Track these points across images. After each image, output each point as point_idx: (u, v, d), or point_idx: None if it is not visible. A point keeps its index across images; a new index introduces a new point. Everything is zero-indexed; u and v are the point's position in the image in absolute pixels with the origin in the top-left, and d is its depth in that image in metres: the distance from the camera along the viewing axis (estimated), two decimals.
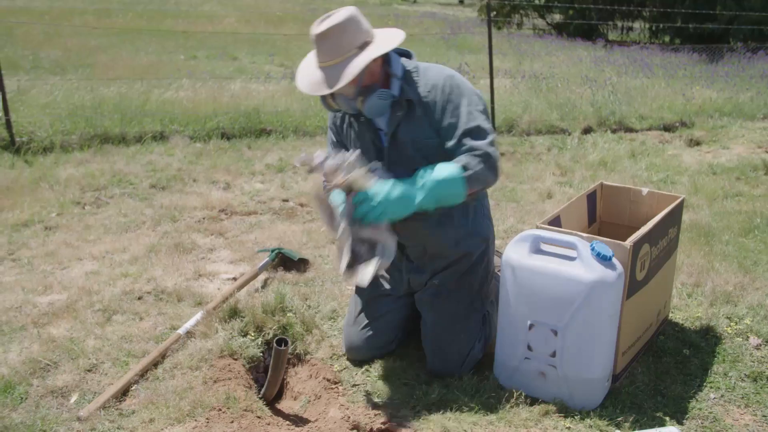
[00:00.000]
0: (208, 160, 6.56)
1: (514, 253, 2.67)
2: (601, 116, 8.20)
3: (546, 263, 2.59)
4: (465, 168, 2.58)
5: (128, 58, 12.02)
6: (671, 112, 8.48)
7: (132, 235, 4.62)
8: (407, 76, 2.75)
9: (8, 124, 6.84)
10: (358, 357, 3.05)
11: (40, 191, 5.51)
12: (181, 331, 3.15)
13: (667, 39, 19.32)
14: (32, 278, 3.90)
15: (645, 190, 3.28)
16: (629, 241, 2.61)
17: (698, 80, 10.50)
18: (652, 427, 2.51)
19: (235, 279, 3.85)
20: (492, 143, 2.64)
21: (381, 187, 2.53)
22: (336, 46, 2.59)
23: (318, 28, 2.60)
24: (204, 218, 4.95)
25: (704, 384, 2.85)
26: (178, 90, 8.89)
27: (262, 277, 3.80)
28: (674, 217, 3.07)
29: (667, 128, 8.08)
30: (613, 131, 7.90)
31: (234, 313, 3.24)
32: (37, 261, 4.18)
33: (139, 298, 3.61)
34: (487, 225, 2.99)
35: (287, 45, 14.32)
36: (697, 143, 7.47)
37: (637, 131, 7.97)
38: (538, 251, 2.65)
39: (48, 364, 2.97)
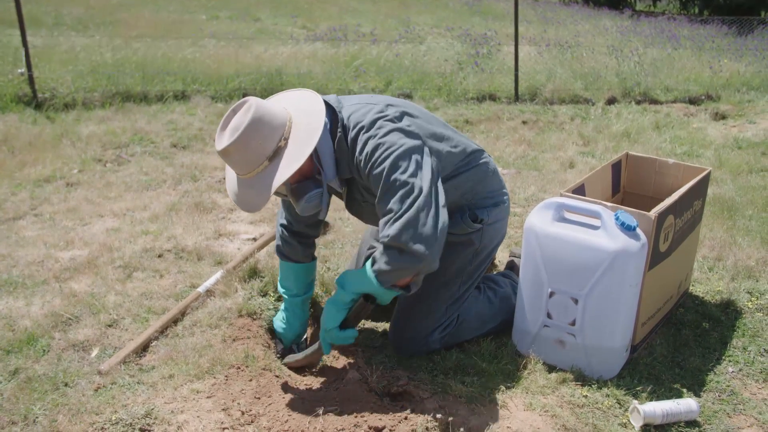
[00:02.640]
0: None
1: (538, 221, 2.65)
2: (626, 87, 8.10)
3: (569, 231, 2.57)
4: (373, 262, 2.41)
5: (150, 17, 11.99)
6: (697, 85, 8.36)
7: (153, 194, 4.64)
8: (339, 151, 2.51)
9: (31, 80, 6.87)
10: None
11: (61, 147, 5.54)
12: (200, 289, 3.17)
13: (696, 10, 18.98)
14: (54, 234, 3.93)
15: (671, 161, 3.24)
16: (654, 212, 2.58)
17: (726, 53, 10.31)
18: (669, 398, 2.51)
19: (255, 239, 3.86)
20: (402, 221, 2.31)
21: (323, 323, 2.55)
22: (242, 162, 2.36)
23: (219, 142, 2.35)
24: (224, 178, 4.95)
25: (723, 357, 2.83)
26: (200, 49, 8.85)
27: None
28: (700, 190, 3.03)
29: (693, 101, 7.96)
30: (638, 102, 7.80)
31: (254, 273, 3.26)
32: (59, 217, 4.21)
33: (160, 256, 3.63)
34: (483, 212, 2.77)
35: (310, 6, 14.25)
36: (723, 117, 7.35)
37: (661, 103, 7.86)
38: (561, 219, 2.63)
39: (69, 319, 3.01)
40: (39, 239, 3.84)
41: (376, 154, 2.40)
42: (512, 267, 3.30)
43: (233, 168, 2.43)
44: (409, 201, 2.33)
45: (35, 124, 6.26)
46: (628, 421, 2.42)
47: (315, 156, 2.50)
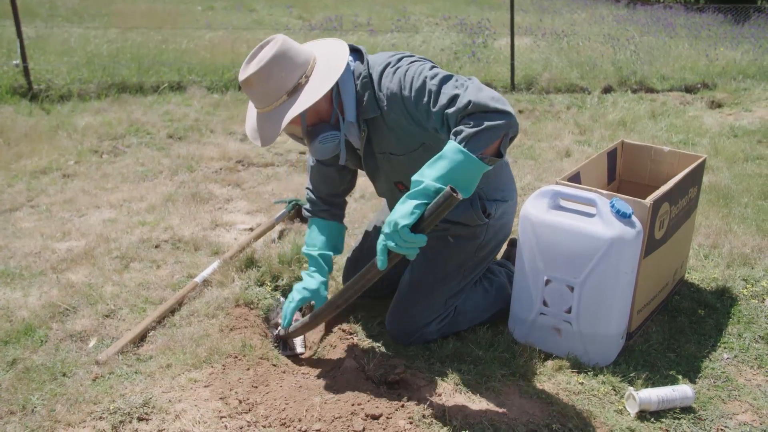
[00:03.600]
0: (226, 111, 6.55)
1: (533, 209, 2.65)
2: (622, 76, 8.10)
3: (565, 219, 2.58)
4: (456, 135, 2.17)
5: (146, 7, 11.95)
6: (693, 73, 8.36)
7: (149, 184, 4.64)
8: (362, 91, 2.49)
9: (26, 71, 6.86)
10: None
11: (57, 139, 5.53)
12: (198, 279, 3.17)
13: None
14: (51, 225, 3.93)
15: (666, 149, 3.25)
16: (649, 199, 2.59)
17: (722, 41, 10.31)
18: (664, 385, 2.52)
19: (251, 229, 3.87)
20: (471, 90, 2.21)
21: (385, 227, 2.19)
22: (263, 93, 2.38)
23: (243, 72, 2.37)
24: (221, 169, 4.96)
25: (718, 344, 2.85)
26: (195, 40, 8.83)
27: (278, 227, 3.81)
28: (695, 177, 3.04)
29: (689, 89, 7.97)
30: (634, 91, 7.81)
31: (250, 262, 3.27)
32: (56, 208, 4.21)
33: (157, 246, 3.63)
34: (491, 206, 2.75)
35: None
36: (719, 105, 7.36)
37: (658, 92, 7.87)
38: (557, 207, 2.63)
39: (67, 309, 3.01)
40: (36, 230, 3.84)
41: (410, 74, 2.37)
42: (509, 256, 3.31)
43: (253, 100, 2.44)
44: (466, 80, 2.27)
45: (31, 115, 6.25)
46: (624, 407, 2.43)
47: (336, 98, 2.50)
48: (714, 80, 8.17)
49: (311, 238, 2.87)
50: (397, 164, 2.59)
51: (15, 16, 6.90)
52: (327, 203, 2.91)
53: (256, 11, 13.17)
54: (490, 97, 2.17)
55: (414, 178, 2.19)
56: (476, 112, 2.16)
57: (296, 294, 2.75)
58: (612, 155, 3.28)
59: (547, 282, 2.65)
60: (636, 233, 2.51)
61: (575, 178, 2.92)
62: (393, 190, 2.72)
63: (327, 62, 2.44)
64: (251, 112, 2.53)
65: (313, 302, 2.79)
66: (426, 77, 2.33)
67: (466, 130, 2.14)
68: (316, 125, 2.48)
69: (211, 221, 3.98)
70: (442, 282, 2.80)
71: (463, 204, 2.69)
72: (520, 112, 6.94)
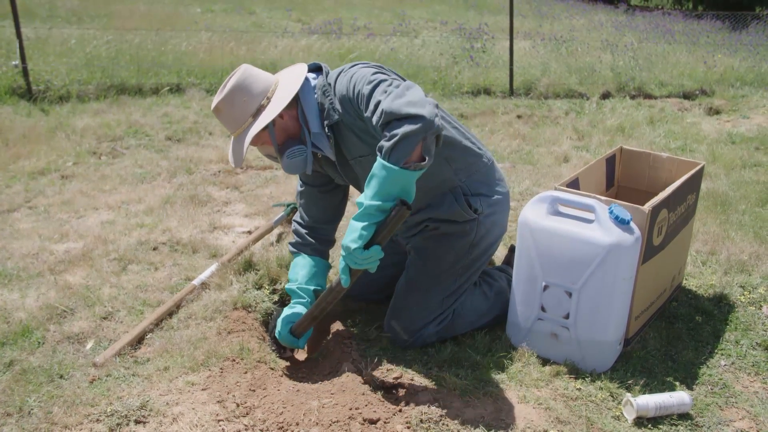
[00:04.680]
0: None
1: (532, 214, 2.66)
2: (621, 82, 8.11)
3: (563, 225, 2.58)
4: (379, 151, 2.25)
5: (145, 9, 11.95)
6: (691, 80, 8.38)
7: (147, 186, 4.63)
8: (321, 104, 2.62)
9: (25, 72, 6.85)
10: (352, 297, 3.11)
11: (56, 140, 5.53)
12: (195, 282, 3.17)
13: (690, 5, 19.00)
14: (49, 226, 3.93)
15: (665, 155, 3.25)
16: (648, 206, 2.59)
17: (720, 48, 10.34)
18: (662, 391, 2.53)
19: (250, 232, 3.87)
20: (389, 97, 2.28)
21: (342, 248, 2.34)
22: (230, 119, 2.58)
23: (213, 103, 2.60)
24: (219, 171, 4.96)
25: (715, 351, 2.85)
26: (195, 43, 8.84)
27: (277, 231, 3.81)
28: (693, 184, 3.05)
29: (687, 96, 7.98)
30: (632, 97, 7.82)
31: (249, 265, 3.27)
32: (54, 209, 4.20)
33: (155, 249, 3.63)
34: (479, 202, 2.76)
35: (305, 0, 14.18)
36: (717, 112, 7.38)
37: (656, 98, 7.88)
38: (555, 213, 2.64)
39: (64, 311, 3.01)
40: (34, 232, 3.84)
41: (355, 77, 2.50)
42: (509, 262, 3.31)
43: (226, 127, 2.63)
44: (391, 86, 2.38)
45: (29, 116, 6.25)
46: (621, 413, 2.43)
47: (301, 115, 2.64)
48: (712, 87, 8.19)
49: (293, 273, 2.91)
50: (369, 166, 2.52)
51: (14, 17, 6.90)
52: (313, 235, 2.95)
53: (255, 14, 13.18)
54: (406, 102, 2.23)
55: (358, 200, 2.30)
56: (391, 121, 2.24)
57: (281, 324, 2.76)
58: (611, 161, 3.29)
59: (545, 287, 2.66)
60: (634, 240, 2.51)
61: (574, 184, 2.93)
62: None
63: (287, 82, 2.63)
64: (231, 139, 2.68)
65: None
66: (364, 82, 2.45)
67: (385, 144, 2.23)
68: (285, 143, 2.64)
69: (209, 224, 3.98)
70: (436, 280, 2.80)
71: (447, 201, 2.73)
72: (519, 117, 6.95)
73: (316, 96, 2.64)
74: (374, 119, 2.33)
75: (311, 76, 2.69)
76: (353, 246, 2.26)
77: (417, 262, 2.84)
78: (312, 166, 2.72)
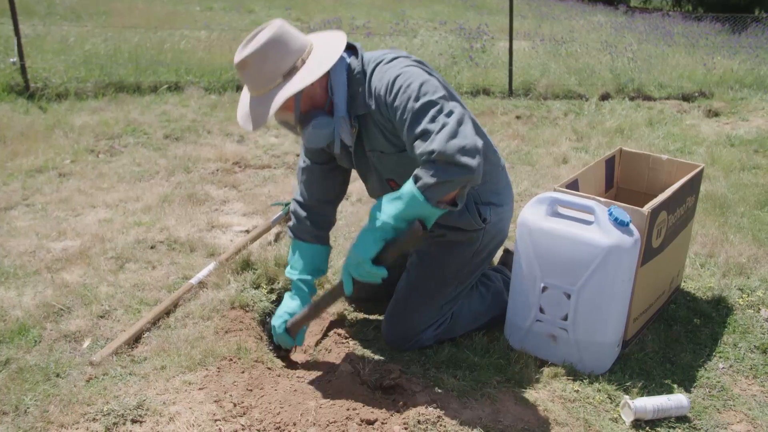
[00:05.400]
0: (223, 112, 6.54)
1: (531, 215, 2.65)
2: (620, 83, 8.11)
3: (563, 226, 2.57)
4: (416, 180, 2.23)
5: (144, 7, 11.93)
6: (691, 82, 8.37)
7: (145, 185, 4.62)
8: (354, 86, 2.48)
9: (23, 70, 6.84)
10: (348, 298, 3.11)
11: (54, 138, 5.51)
12: (193, 281, 3.16)
13: (689, 7, 19.02)
14: (46, 224, 3.92)
15: (665, 157, 3.25)
16: (647, 208, 2.59)
17: (720, 50, 10.33)
18: (660, 394, 2.52)
19: (248, 231, 3.86)
20: (442, 135, 2.19)
21: (348, 257, 2.36)
22: (258, 76, 2.35)
23: (239, 54, 2.35)
24: (218, 170, 4.94)
25: (713, 353, 2.85)
26: (194, 41, 8.82)
27: (275, 230, 3.80)
28: (693, 186, 3.04)
29: (686, 98, 7.98)
30: (631, 99, 7.82)
31: (246, 265, 3.26)
32: (51, 207, 4.19)
33: (152, 247, 3.62)
34: (487, 211, 2.71)
35: None
36: (716, 114, 7.37)
37: (655, 100, 7.88)
38: (555, 214, 2.63)
39: (61, 309, 3.00)
40: (31, 229, 3.83)
41: (399, 82, 2.34)
42: (505, 262, 3.30)
43: (248, 84, 2.40)
44: (444, 117, 2.24)
45: (27, 114, 6.23)
46: (619, 416, 2.43)
47: (329, 87, 2.48)
48: (711, 89, 8.18)
49: (293, 261, 2.84)
50: (388, 162, 2.57)
51: (13, 14, 6.88)
52: (313, 218, 2.85)
53: (254, 12, 13.16)
54: (459, 147, 2.16)
55: (373, 209, 2.31)
56: (439, 162, 2.18)
57: (278, 321, 2.74)
58: (610, 163, 3.28)
59: (544, 289, 2.65)
60: (633, 241, 2.51)
61: (573, 185, 2.92)
62: (385, 188, 2.66)
63: (324, 48, 2.43)
64: (244, 98, 2.48)
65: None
66: (411, 95, 2.30)
67: (426, 179, 2.19)
68: (309, 112, 2.46)
69: (207, 223, 3.97)
70: (439, 287, 2.77)
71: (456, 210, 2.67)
72: (518, 117, 6.95)
73: (350, 79, 2.49)
74: (417, 148, 2.23)
75: (344, 54, 2.52)
76: (363, 258, 2.27)
77: (420, 267, 2.79)
78: (339, 143, 2.58)
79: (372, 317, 3.04)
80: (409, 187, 2.23)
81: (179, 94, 7.17)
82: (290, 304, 2.77)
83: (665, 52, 9.88)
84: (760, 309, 3.16)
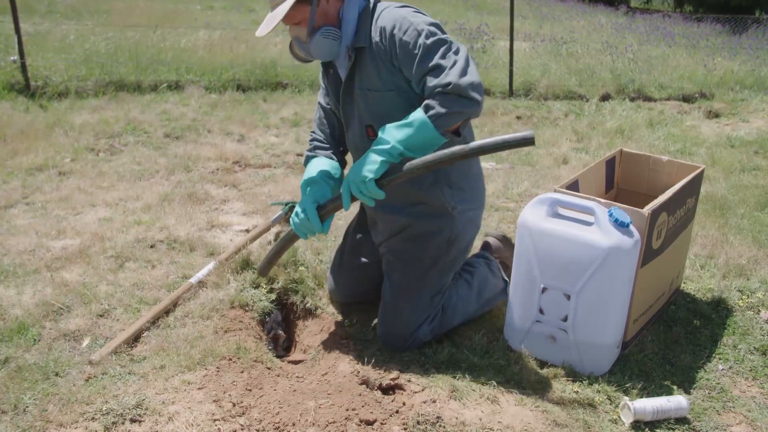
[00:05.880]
0: (223, 111, 6.54)
1: (531, 216, 2.65)
2: (620, 84, 8.11)
3: (563, 227, 2.57)
4: (427, 109, 2.40)
5: (145, 6, 11.93)
6: (691, 83, 8.37)
7: (145, 184, 4.62)
8: (362, 20, 2.60)
9: (24, 68, 6.84)
10: (340, 300, 3.11)
11: (54, 136, 5.51)
12: (193, 280, 3.16)
13: (690, 8, 19.01)
14: (46, 222, 3.91)
15: (665, 158, 3.25)
16: (647, 209, 2.58)
17: (720, 51, 10.33)
18: (659, 395, 2.52)
19: (247, 231, 3.86)
20: (455, 70, 2.37)
21: (351, 173, 2.48)
22: None
23: None
24: (218, 169, 4.94)
25: (713, 355, 2.85)
26: (194, 40, 8.82)
27: (274, 230, 3.79)
28: (693, 188, 3.04)
29: (687, 99, 7.97)
30: (632, 99, 7.82)
31: (246, 264, 3.26)
32: (51, 206, 4.19)
33: (152, 246, 3.62)
34: (444, 193, 2.73)
35: None
36: (716, 115, 7.37)
37: (655, 100, 7.88)
38: (555, 215, 2.63)
39: (61, 308, 3.00)
40: (30, 228, 3.83)
41: (410, 19, 2.49)
42: (486, 247, 3.30)
43: None
44: (454, 55, 2.42)
45: (28, 112, 6.23)
46: (619, 417, 2.43)
47: (340, 16, 2.61)
48: (712, 90, 8.18)
49: (309, 171, 2.80)
50: (373, 102, 2.62)
51: (13, 12, 6.88)
52: (324, 145, 2.92)
53: (255, 11, 13.16)
54: (469, 83, 2.36)
55: (381, 133, 2.46)
56: (452, 94, 2.36)
57: (308, 202, 2.67)
58: (611, 164, 3.28)
59: (544, 290, 2.65)
60: (634, 243, 2.50)
61: (574, 186, 2.92)
62: (363, 136, 2.72)
63: None
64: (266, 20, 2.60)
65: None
66: (421, 33, 2.44)
67: (438, 109, 2.37)
68: (320, 27, 2.57)
69: (207, 222, 3.97)
70: (421, 281, 2.79)
71: (427, 181, 2.69)
72: (518, 118, 6.95)
73: (358, 13, 2.62)
74: (430, 81, 2.40)
75: None
76: (370, 176, 2.41)
77: (398, 266, 2.81)
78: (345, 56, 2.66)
79: (371, 318, 3.04)
80: (419, 114, 2.40)
81: (180, 92, 7.17)
82: (317, 190, 2.72)
83: (666, 53, 9.88)
84: (759, 310, 3.16)
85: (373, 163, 2.41)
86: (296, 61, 2.77)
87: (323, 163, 2.82)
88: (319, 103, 2.95)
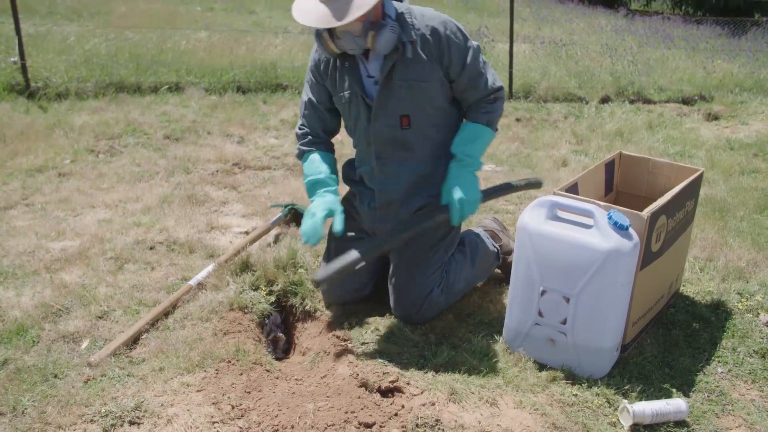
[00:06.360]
0: (223, 113, 6.54)
1: (531, 219, 2.65)
2: (620, 86, 8.11)
3: (562, 230, 2.57)
4: (489, 124, 2.89)
5: (145, 7, 11.93)
6: (691, 85, 8.37)
7: (145, 185, 4.62)
8: (400, 19, 2.76)
9: (24, 69, 6.83)
10: (333, 301, 3.14)
11: (54, 137, 5.51)
12: (192, 282, 3.16)
13: (690, 10, 19.03)
14: (45, 224, 3.91)
15: (664, 160, 3.25)
16: (647, 212, 2.58)
17: (720, 54, 10.33)
18: (658, 398, 2.52)
19: (247, 233, 3.85)
20: (492, 77, 2.89)
21: (465, 193, 2.82)
22: None
23: None
24: (217, 171, 4.94)
25: (712, 358, 2.85)
26: (194, 41, 8.82)
27: (274, 232, 3.80)
28: (692, 190, 3.04)
29: (686, 101, 7.97)
30: (631, 102, 7.82)
31: (245, 266, 3.26)
32: (51, 207, 4.19)
33: (151, 248, 3.62)
34: None
35: None
36: (716, 118, 7.37)
37: (655, 103, 7.88)
38: (554, 218, 2.63)
39: (60, 310, 3.00)
40: (30, 229, 3.83)
41: (454, 25, 2.85)
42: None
43: None
44: (483, 58, 2.90)
45: (27, 113, 6.23)
46: (618, 420, 2.43)
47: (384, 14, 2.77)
48: (711, 93, 8.18)
49: (314, 167, 3.00)
50: (417, 92, 2.82)
51: (14, 13, 6.88)
52: (316, 140, 3.08)
53: (255, 13, 13.16)
54: (501, 86, 2.92)
55: (465, 152, 2.86)
56: (499, 98, 2.90)
57: (318, 210, 2.84)
58: (610, 166, 3.28)
59: (543, 292, 2.65)
60: (633, 245, 2.50)
61: (573, 189, 2.92)
62: (395, 126, 2.88)
63: None
64: (306, 4, 2.64)
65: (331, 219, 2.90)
66: (467, 36, 2.85)
67: (493, 115, 2.90)
68: (375, 22, 2.68)
69: (206, 224, 3.97)
70: (432, 251, 2.99)
71: (440, 168, 2.95)
72: (518, 120, 6.95)
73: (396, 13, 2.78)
74: (479, 86, 2.85)
75: None
76: (477, 198, 2.87)
77: (411, 243, 2.94)
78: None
79: (370, 319, 3.04)
80: (480, 127, 2.88)
81: (180, 94, 7.17)
82: (325, 199, 2.91)
83: (665, 56, 9.88)
84: (759, 313, 3.16)
85: (477, 182, 2.89)
86: (323, 54, 2.89)
87: (326, 159, 3.03)
88: (309, 99, 3.04)
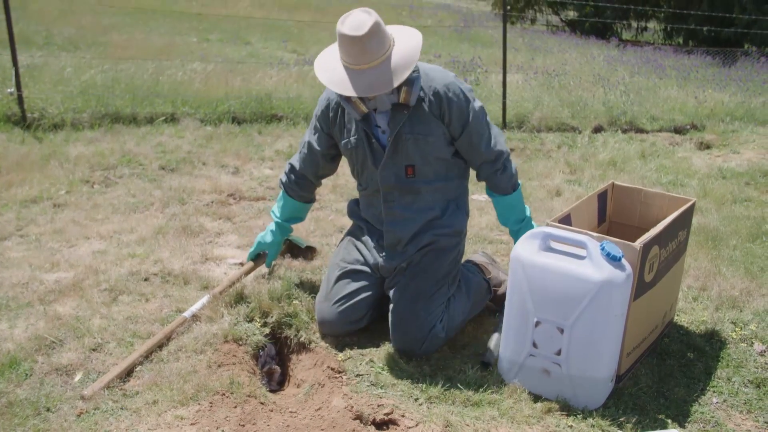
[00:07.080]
0: (218, 143, 6.56)
1: (524, 250, 2.66)
2: (612, 116, 8.17)
3: (555, 261, 2.59)
4: (514, 189, 3.20)
5: (141, 39, 12.00)
6: (682, 115, 8.44)
7: (140, 216, 4.62)
8: (408, 78, 2.88)
9: (20, 100, 6.86)
10: (330, 332, 3.14)
11: (49, 168, 5.52)
12: (186, 314, 3.15)
13: (680, 41, 19.25)
14: (39, 255, 3.91)
15: (657, 191, 3.27)
16: (639, 242, 2.60)
17: (711, 83, 10.44)
18: (654, 429, 2.52)
19: (242, 264, 3.85)
20: (500, 137, 3.11)
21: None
22: (378, 45, 2.73)
23: (358, 27, 2.70)
24: (212, 202, 4.95)
25: (707, 388, 2.85)
26: (190, 72, 8.87)
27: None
28: (684, 220, 3.06)
29: (678, 130, 8.04)
30: (624, 131, 7.87)
31: (240, 298, 3.26)
32: (45, 238, 4.19)
33: (146, 280, 3.62)
34: (462, 219, 3.20)
35: (300, 32, 14.30)
36: (708, 147, 7.43)
37: (647, 132, 7.94)
38: (548, 249, 2.65)
39: (53, 342, 2.98)
40: (24, 260, 3.82)
41: (457, 87, 2.97)
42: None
43: (365, 54, 2.74)
44: (486, 117, 3.08)
45: (23, 143, 6.24)
46: None
47: None
48: (703, 122, 8.25)
49: (279, 208, 3.46)
50: (423, 145, 2.97)
51: (11, 45, 6.92)
52: (301, 183, 3.37)
53: (251, 44, 13.26)
54: (504, 145, 3.13)
55: (515, 222, 3.23)
56: (506, 164, 3.12)
57: (258, 243, 3.49)
58: (602, 197, 3.31)
59: (537, 324, 2.65)
60: (626, 276, 2.52)
61: (566, 220, 2.94)
62: (400, 175, 3.04)
63: (400, 32, 2.92)
64: (339, 72, 2.82)
65: (266, 252, 3.52)
66: (471, 99, 3.00)
67: (511, 179, 3.16)
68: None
69: (201, 255, 3.97)
70: (437, 286, 3.04)
71: (450, 209, 3.16)
72: (512, 150, 6.98)
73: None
74: (487, 149, 3.05)
75: None
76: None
77: (417, 275, 3.06)
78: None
79: (365, 350, 3.04)
80: (512, 196, 3.19)
81: (175, 125, 7.19)
82: (267, 238, 3.49)
83: (657, 85, 9.98)
84: (753, 343, 3.17)
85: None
86: (348, 107, 2.99)
87: (291, 206, 3.44)
88: (309, 142, 3.25)
